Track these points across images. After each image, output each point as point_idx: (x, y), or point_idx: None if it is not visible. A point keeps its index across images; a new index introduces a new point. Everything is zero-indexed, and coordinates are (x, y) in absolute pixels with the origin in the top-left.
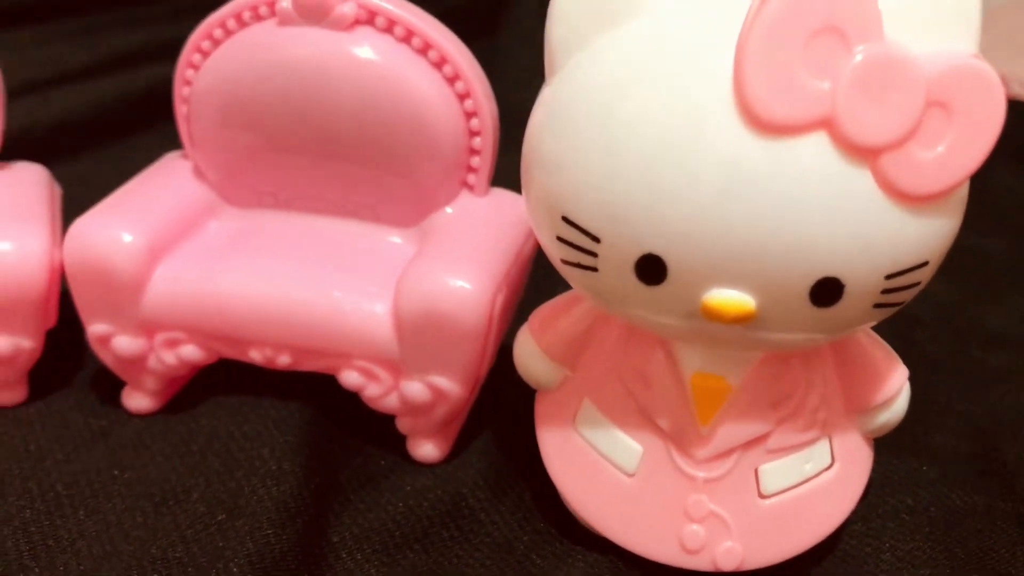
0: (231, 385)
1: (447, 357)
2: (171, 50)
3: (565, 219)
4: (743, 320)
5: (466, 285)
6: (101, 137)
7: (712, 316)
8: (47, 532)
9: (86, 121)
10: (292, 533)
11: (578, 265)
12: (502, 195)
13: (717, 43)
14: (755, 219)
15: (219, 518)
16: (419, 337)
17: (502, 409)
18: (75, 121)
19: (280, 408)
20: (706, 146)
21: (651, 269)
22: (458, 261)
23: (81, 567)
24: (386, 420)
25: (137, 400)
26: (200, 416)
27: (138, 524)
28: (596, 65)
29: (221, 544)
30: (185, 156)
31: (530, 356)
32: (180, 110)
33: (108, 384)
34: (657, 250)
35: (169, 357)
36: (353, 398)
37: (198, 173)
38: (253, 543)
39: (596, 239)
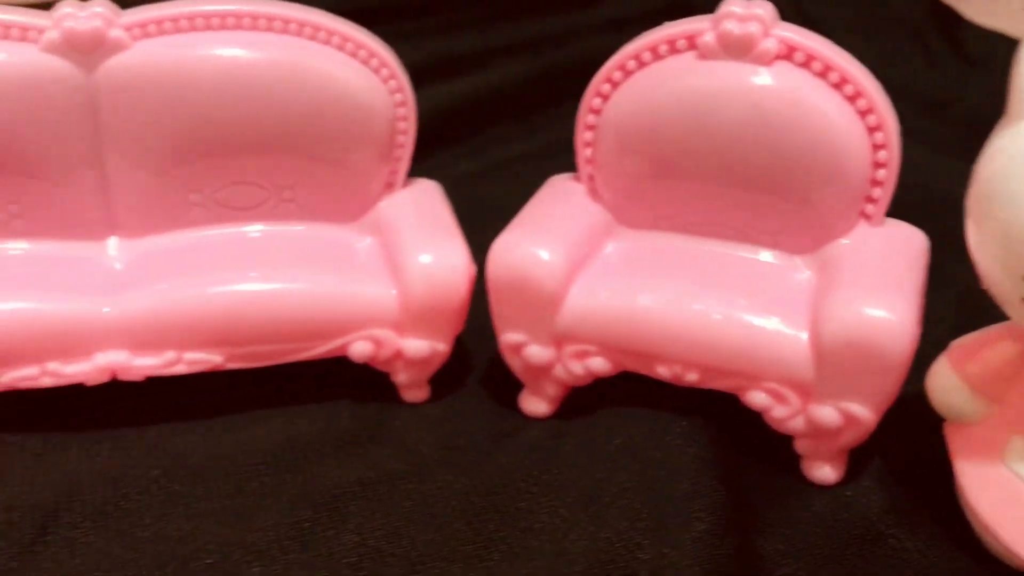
0: (621, 394)
1: (866, 385)
2: (460, 62)
3: None
4: None
5: (892, 317)
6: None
7: None
8: (496, 526)
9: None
10: (730, 547)
11: None
12: (896, 226)
13: None
14: None
15: (648, 524)
16: (840, 364)
17: (889, 434)
18: None
19: (679, 422)
20: None
21: None
22: (880, 292)
23: (534, 562)
24: (779, 438)
25: (535, 404)
26: (599, 424)
27: (567, 525)
28: None
29: (666, 551)
30: (576, 179)
31: (951, 388)
32: (583, 136)
33: (502, 387)
34: None
35: (576, 367)
36: (742, 415)
37: (594, 195)
38: (697, 554)
39: None
